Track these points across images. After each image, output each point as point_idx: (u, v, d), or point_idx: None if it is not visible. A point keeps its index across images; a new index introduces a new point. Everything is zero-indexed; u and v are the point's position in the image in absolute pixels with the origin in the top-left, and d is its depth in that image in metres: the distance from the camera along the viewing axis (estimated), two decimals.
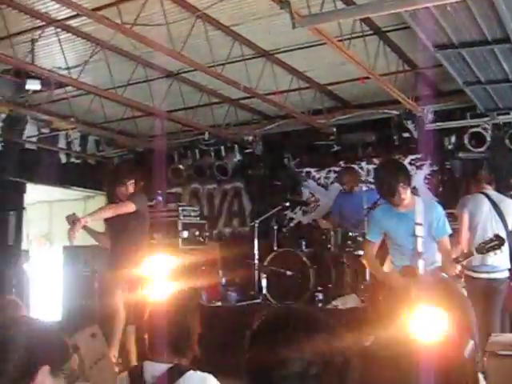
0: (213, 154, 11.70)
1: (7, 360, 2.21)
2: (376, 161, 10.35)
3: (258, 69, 8.68)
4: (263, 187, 11.45)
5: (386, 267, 5.89)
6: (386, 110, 10.12)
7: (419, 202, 5.56)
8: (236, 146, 11.63)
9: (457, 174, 9.92)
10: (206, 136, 11.42)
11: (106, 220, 6.92)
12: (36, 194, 11.87)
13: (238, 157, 11.64)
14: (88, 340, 5.06)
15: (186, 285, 6.73)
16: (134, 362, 6.33)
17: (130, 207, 6.61)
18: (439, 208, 5.69)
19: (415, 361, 3.97)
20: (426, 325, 4.26)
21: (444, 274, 5.54)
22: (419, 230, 5.41)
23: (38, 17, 7.29)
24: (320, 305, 8.14)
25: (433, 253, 5.59)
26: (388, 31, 7.85)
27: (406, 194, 5.45)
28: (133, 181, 6.89)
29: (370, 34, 7.83)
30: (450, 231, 5.66)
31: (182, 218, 9.93)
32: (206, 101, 10.22)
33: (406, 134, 10.20)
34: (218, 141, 11.63)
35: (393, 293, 5.48)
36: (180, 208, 10.10)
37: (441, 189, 10.03)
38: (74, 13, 6.86)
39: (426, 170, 10.15)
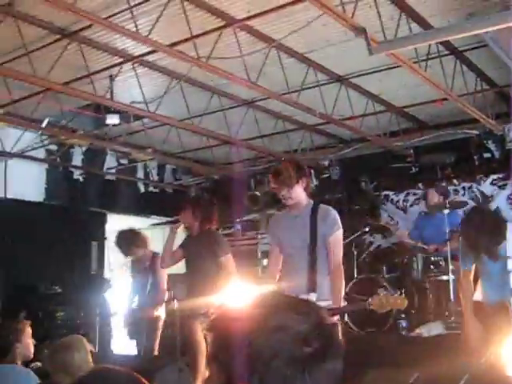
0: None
1: None
2: (456, 182, 10.13)
3: (333, 94, 8.65)
4: (341, 212, 11.29)
5: (476, 294, 5.66)
6: (465, 130, 9.89)
7: (510, 233, 5.25)
8: (312, 171, 11.58)
9: None
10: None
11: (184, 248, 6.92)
12: (117, 224, 12.09)
13: (315, 182, 11.59)
14: (176, 375, 5.07)
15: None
16: None
17: None
18: None
19: None
20: None
21: None
22: (511, 264, 5.16)
23: (116, 54, 7.49)
24: (403, 332, 7.95)
25: None
26: (465, 50, 7.70)
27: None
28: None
29: (447, 55, 7.69)
30: None
31: (260, 245, 9.93)
32: (281, 127, 10.24)
33: (487, 154, 9.93)
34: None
35: (482, 322, 5.29)
36: (259, 235, 10.10)
37: None
38: (151, 48, 7.00)
39: (508, 189, 9.83)
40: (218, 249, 6.35)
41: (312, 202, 5.17)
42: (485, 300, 5.52)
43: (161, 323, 7.31)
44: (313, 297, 4.74)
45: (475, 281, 5.69)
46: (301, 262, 5.00)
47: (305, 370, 1.59)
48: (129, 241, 7.54)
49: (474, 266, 5.51)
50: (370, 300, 4.53)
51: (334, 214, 5.14)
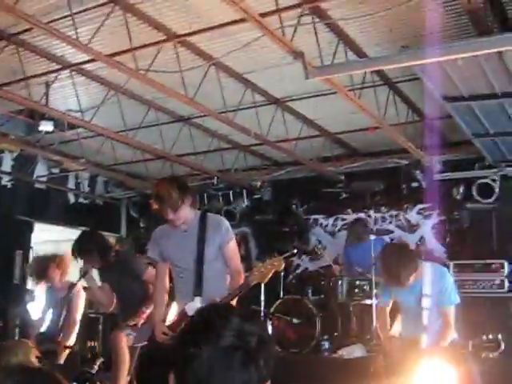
0: (221, 198, 11.74)
1: None
2: (384, 209, 10.39)
3: (269, 116, 8.76)
4: (271, 233, 11.43)
5: (396, 327, 5.80)
6: (394, 160, 10.16)
7: (427, 271, 5.41)
8: (244, 191, 11.67)
9: (465, 224, 9.89)
10: (215, 181, 11.48)
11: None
12: (44, 234, 11.87)
13: (246, 202, 11.67)
14: None
15: None
16: None
17: None
18: (448, 275, 5.55)
19: None
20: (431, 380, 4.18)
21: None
22: (426, 302, 5.31)
23: (54, 60, 7.42)
24: (326, 354, 8.06)
25: (439, 325, 5.44)
26: (398, 82, 7.95)
27: (412, 277, 5.31)
28: None
29: (381, 85, 7.92)
30: (455, 301, 5.35)
31: None
32: (216, 146, 10.30)
33: (415, 184, 10.23)
34: (226, 186, 11.68)
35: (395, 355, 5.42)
36: None
37: (448, 239, 10.00)
38: (90, 57, 6.96)
39: (433, 219, 10.12)
40: (139, 271, 6.32)
41: (199, 212, 5.14)
42: (401, 334, 5.68)
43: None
44: (197, 301, 4.78)
45: (394, 317, 5.87)
46: (188, 273, 5.00)
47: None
48: (42, 266, 7.31)
49: (391, 301, 5.67)
50: (250, 277, 4.64)
51: (226, 222, 5.15)
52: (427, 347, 5.18)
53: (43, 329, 7.13)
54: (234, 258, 5.03)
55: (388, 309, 5.71)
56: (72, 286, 6.93)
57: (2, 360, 3.88)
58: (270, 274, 4.65)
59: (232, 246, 5.04)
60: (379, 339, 6.22)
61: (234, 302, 4.69)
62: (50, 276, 7.21)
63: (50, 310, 7.15)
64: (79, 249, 6.45)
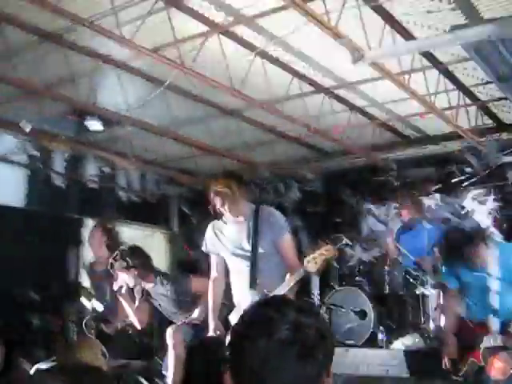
0: (272, 191, 11.67)
1: None
2: (438, 196, 10.17)
3: (317, 105, 8.63)
4: (323, 224, 11.31)
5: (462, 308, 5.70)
6: (447, 145, 9.93)
7: (492, 252, 5.26)
8: (295, 183, 11.58)
9: None
10: (266, 173, 11.41)
11: None
12: None
13: (298, 194, 11.58)
14: None
15: None
16: None
17: None
18: None
19: None
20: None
21: None
22: (495, 283, 5.17)
23: (99, 58, 7.44)
24: (381, 345, 7.92)
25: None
26: (449, 64, 7.73)
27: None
28: None
29: (431, 68, 7.71)
30: None
31: None
32: (265, 138, 10.21)
33: (469, 169, 9.97)
34: (277, 178, 11.61)
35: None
36: None
37: (505, 224, 9.73)
38: (135, 53, 6.96)
39: (489, 204, 9.87)
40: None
41: (253, 206, 5.14)
42: (467, 317, 5.56)
43: None
44: (252, 294, 4.75)
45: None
46: (243, 266, 4.98)
47: None
48: None
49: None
50: (303, 266, 4.62)
51: (279, 216, 5.11)
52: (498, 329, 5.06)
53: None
54: (289, 253, 5.01)
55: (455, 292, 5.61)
56: None
57: (72, 358, 3.93)
58: (322, 262, 4.61)
59: (286, 241, 5.02)
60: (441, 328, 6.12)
61: (290, 295, 4.65)
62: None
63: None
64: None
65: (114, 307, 7.08)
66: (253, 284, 4.89)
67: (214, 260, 5.35)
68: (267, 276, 4.89)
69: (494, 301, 5.14)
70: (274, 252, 5.00)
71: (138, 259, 6.44)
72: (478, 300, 5.39)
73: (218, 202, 4.95)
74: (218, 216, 5.08)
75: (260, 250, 4.96)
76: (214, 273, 5.37)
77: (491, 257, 5.17)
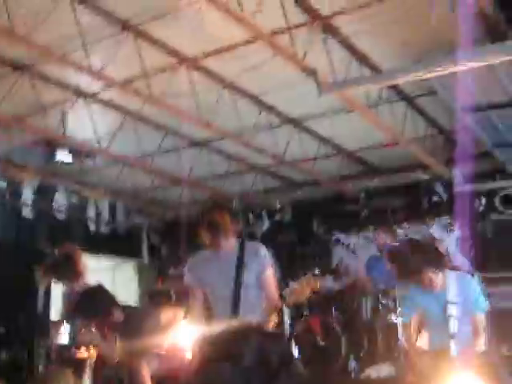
0: (241, 220, 11.69)
1: None
2: (406, 225, 10.26)
3: (285, 136, 8.72)
4: (292, 254, 11.34)
5: (422, 341, 5.68)
6: (414, 175, 10.05)
7: (453, 280, 5.29)
8: (264, 212, 11.61)
9: (489, 235, 9.76)
10: (235, 203, 11.43)
11: None
12: None
13: (267, 224, 11.61)
14: None
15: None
16: None
17: None
18: (474, 282, 5.46)
19: None
20: None
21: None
22: (452, 310, 5.18)
23: (69, 89, 7.45)
24: (353, 374, 7.93)
25: (467, 332, 5.30)
26: (415, 96, 7.87)
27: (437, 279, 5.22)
28: None
29: (398, 100, 7.85)
30: (484, 308, 5.19)
31: None
32: (234, 169, 10.27)
33: (436, 198, 10.11)
34: (246, 208, 11.64)
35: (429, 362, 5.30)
36: None
37: (473, 252, 9.84)
38: (104, 85, 6.99)
39: (457, 232, 9.99)
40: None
41: (238, 239, 5.17)
42: (428, 347, 5.56)
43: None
44: (233, 322, 4.76)
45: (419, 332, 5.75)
46: (226, 297, 5.00)
47: None
48: None
49: (415, 314, 5.56)
50: (287, 298, 4.65)
51: (264, 250, 5.16)
52: (457, 356, 5.04)
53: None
54: (272, 285, 5.04)
55: (414, 322, 5.60)
56: None
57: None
58: (308, 293, 4.66)
59: (270, 274, 5.06)
60: (407, 356, 6.11)
61: (269, 325, 4.68)
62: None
63: None
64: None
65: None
66: (234, 315, 4.90)
67: (197, 292, 5.35)
68: (248, 307, 4.91)
69: (453, 327, 5.13)
70: (256, 284, 5.03)
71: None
72: (437, 328, 5.39)
73: (211, 233, 4.97)
74: (204, 247, 5.09)
75: (244, 282, 4.98)
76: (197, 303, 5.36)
77: (451, 284, 5.18)
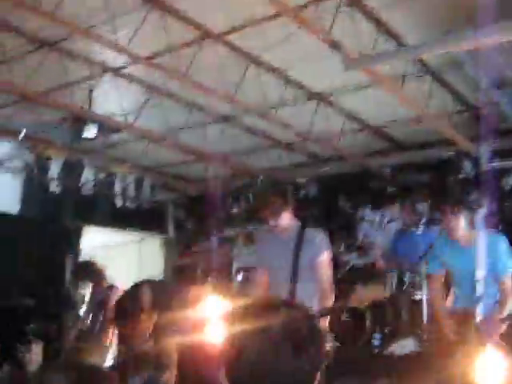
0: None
1: None
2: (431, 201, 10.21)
3: (310, 111, 8.68)
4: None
5: (449, 301, 5.65)
6: (440, 151, 9.96)
7: (481, 238, 5.19)
8: (289, 188, 11.58)
9: None
10: (260, 180, 11.43)
11: None
12: (93, 238, 11.99)
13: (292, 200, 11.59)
14: None
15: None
16: None
17: None
18: (504, 243, 5.27)
19: None
20: (486, 371, 4.05)
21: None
22: (480, 272, 5.12)
23: (96, 65, 7.48)
24: (376, 350, 7.94)
25: (494, 295, 5.25)
26: (441, 71, 7.78)
27: (458, 223, 5.12)
28: None
29: (424, 75, 7.76)
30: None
31: (235, 262, 9.92)
32: (259, 144, 10.26)
33: (463, 175, 10.01)
34: (271, 184, 11.62)
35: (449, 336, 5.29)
36: (234, 251, 10.09)
37: (499, 230, 9.75)
38: (130, 60, 7.02)
39: (483, 210, 9.88)
40: None
41: (299, 224, 5.18)
42: (452, 307, 5.54)
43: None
44: None
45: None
46: (282, 282, 5.01)
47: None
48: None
49: (443, 270, 5.52)
50: (346, 301, 4.64)
51: (322, 237, 5.15)
52: (482, 320, 5.00)
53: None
54: (323, 275, 5.04)
55: (442, 279, 5.56)
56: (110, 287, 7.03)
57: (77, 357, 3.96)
58: (368, 303, 4.67)
59: (322, 262, 5.06)
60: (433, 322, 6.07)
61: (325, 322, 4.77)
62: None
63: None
64: None
65: None
66: (290, 296, 4.92)
67: (258, 271, 5.41)
68: (304, 290, 4.93)
69: (479, 289, 5.07)
70: (311, 271, 5.04)
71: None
72: (464, 287, 5.35)
73: (259, 211, 5.05)
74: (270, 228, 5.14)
75: (300, 267, 5.00)
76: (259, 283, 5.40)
77: (479, 243, 5.10)
